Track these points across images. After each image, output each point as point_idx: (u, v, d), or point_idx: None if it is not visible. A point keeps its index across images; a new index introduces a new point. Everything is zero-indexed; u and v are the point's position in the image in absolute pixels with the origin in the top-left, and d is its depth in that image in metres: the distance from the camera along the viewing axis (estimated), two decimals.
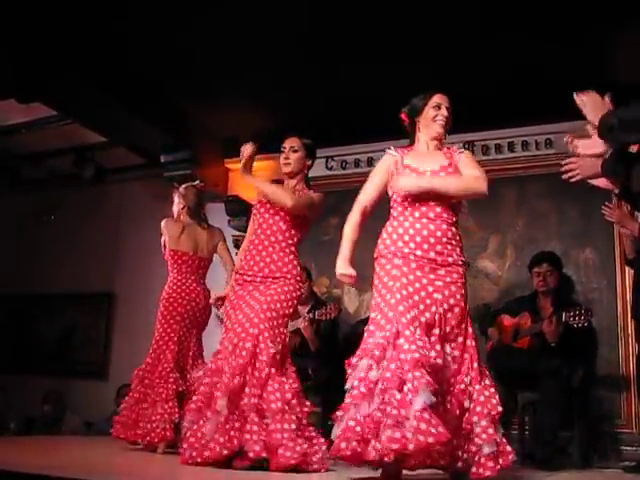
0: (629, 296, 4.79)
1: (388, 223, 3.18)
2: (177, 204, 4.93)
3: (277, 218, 3.73)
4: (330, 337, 5.33)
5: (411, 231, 3.05)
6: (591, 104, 2.76)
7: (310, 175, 5.89)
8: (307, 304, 5.35)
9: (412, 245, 3.02)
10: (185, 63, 5.22)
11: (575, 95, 2.81)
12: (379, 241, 3.18)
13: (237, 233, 6.50)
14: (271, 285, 3.64)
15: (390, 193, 3.22)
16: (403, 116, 3.45)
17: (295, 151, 3.83)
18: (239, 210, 6.30)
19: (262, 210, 3.78)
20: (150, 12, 4.62)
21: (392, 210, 3.20)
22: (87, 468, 2.99)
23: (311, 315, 5.08)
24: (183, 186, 4.98)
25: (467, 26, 4.57)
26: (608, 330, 5.12)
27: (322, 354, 5.14)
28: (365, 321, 5.30)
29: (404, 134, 6.04)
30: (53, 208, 7.87)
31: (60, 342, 7.58)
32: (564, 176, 3.16)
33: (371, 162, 6.27)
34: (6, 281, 7.75)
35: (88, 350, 7.42)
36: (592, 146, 2.88)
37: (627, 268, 4.89)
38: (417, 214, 3.07)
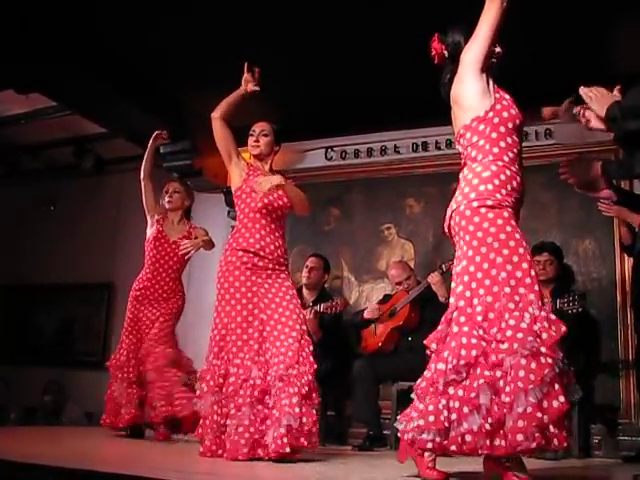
0: (629, 286, 4.80)
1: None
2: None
3: (281, 203, 3.68)
4: (333, 329, 5.34)
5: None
6: (597, 98, 2.74)
7: (310, 165, 5.91)
8: (314, 291, 5.37)
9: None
10: (184, 52, 5.20)
11: (580, 90, 2.77)
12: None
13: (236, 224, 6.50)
14: (282, 278, 3.61)
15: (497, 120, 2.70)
16: None
17: (265, 135, 3.79)
18: None
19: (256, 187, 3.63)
20: (150, 3, 4.60)
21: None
22: (87, 458, 3.00)
23: (317, 308, 5.09)
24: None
25: (465, 18, 4.55)
26: (608, 320, 5.13)
27: (324, 345, 5.15)
28: (360, 312, 5.34)
29: (404, 124, 6.07)
30: (52, 199, 7.87)
31: (60, 333, 7.60)
32: (562, 176, 3.11)
33: (371, 152, 6.27)
34: (6, 272, 7.75)
35: (88, 341, 7.43)
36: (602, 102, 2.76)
37: (627, 258, 4.89)
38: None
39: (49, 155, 7.69)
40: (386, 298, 5.32)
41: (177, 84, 5.72)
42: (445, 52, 2.89)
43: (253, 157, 3.85)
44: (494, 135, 2.65)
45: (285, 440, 3.18)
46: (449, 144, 5.89)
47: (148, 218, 4.95)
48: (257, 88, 3.77)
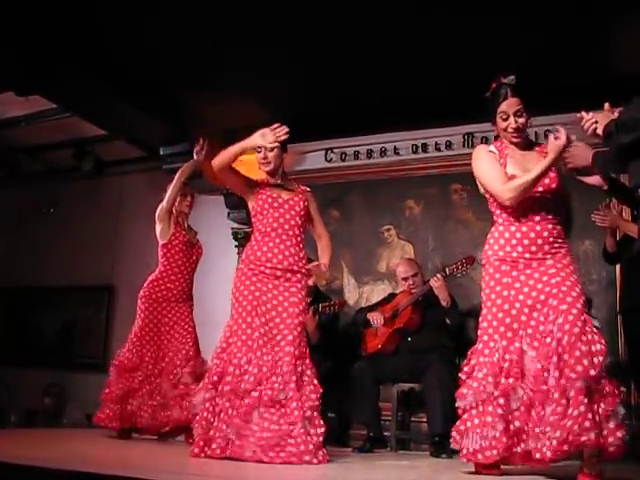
0: None
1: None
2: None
3: (293, 213, 3.75)
4: (330, 330, 5.33)
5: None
6: (597, 117, 2.83)
7: (310, 167, 5.89)
8: (308, 296, 5.37)
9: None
10: (184, 54, 5.21)
11: (580, 115, 2.88)
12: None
13: (236, 225, 6.51)
14: (291, 283, 3.66)
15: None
16: None
17: (272, 149, 3.79)
18: (238, 203, 6.28)
19: (275, 205, 3.76)
20: (149, 3, 4.61)
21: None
22: (86, 461, 2.99)
23: (314, 308, 5.09)
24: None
25: (466, 19, 4.56)
26: (608, 322, 5.11)
27: (322, 346, 5.15)
28: (364, 309, 5.34)
29: (404, 126, 6.08)
30: (52, 201, 7.87)
31: (61, 335, 7.59)
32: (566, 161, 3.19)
33: (370, 154, 6.27)
34: (6, 274, 7.76)
35: (89, 343, 7.43)
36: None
37: None
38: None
39: (49, 157, 7.70)
40: (390, 297, 5.32)
41: (177, 86, 5.72)
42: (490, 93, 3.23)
43: (265, 172, 3.87)
44: (492, 208, 3.21)
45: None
46: (449, 145, 5.90)
47: (163, 224, 4.83)
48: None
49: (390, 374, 4.93)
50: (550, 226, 3.08)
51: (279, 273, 3.65)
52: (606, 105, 2.89)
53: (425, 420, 4.91)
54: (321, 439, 3.39)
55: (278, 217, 3.72)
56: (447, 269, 4.92)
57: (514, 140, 3.18)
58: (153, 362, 4.68)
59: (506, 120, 3.15)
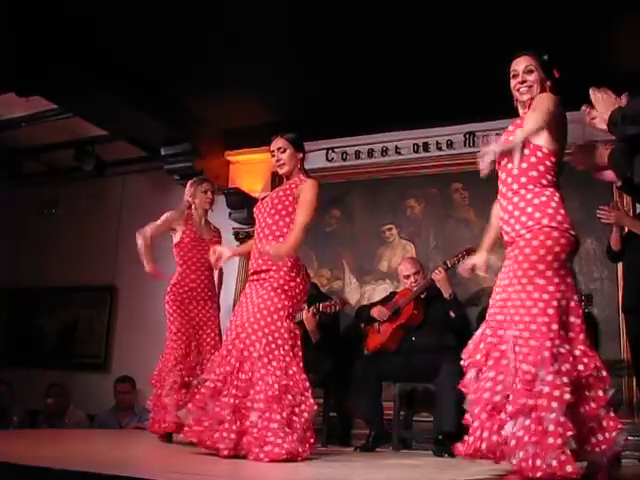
0: None
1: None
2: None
3: (265, 213, 3.75)
4: (331, 329, 5.34)
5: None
6: (604, 100, 2.79)
7: (311, 167, 5.89)
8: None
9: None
10: (184, 54, 5.21)
11: (590, 90, 2.83)
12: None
13: (237, 225, 6.50)
14: (258, 282, 3.66)
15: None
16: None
17: (284, 151, 3.81)
18: (240, 202, 6.30)
19: (255, 212, 3.84)
20: (150, 5, 4.61)
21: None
22: (89, 460, 3.00)
23: (315, 307, 5.09)
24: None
25: (466, 18, 4.56)
26: (609, 319, 5.12)
27: (323, 346, 5.15)
28: (366, 307, 5.34)
29: (406, 125, 6.08)
30: (54, 202, 7.87)
31: (62, 335, 7.59)
32: (569, 161, 3.13)
33: (371, 154, 6.27)
34: (8, 275, 7.76)
35: (90, 343, 7.43)
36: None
37: None
38: None
39: (50, 158, 7.69)
40: (392, 295, 5.32)
41: (177, 86, 5.73)
42: None
43: (282, 174, 3.89)
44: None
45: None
46: (450, 145, 5.90)
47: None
48: None
49: (393, 373, 4.91)
50: (516, 198, 2.88)
51: (255, 277, 3.69)
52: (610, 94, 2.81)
53: (428, 419, 4.91)
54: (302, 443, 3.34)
55: (256, 224, 3.82)
56: (448, 261, 4.94)
57: (522, 97, 2.95)
58: (180, 367, 4.53)
59: (515, 78, 2.96)
